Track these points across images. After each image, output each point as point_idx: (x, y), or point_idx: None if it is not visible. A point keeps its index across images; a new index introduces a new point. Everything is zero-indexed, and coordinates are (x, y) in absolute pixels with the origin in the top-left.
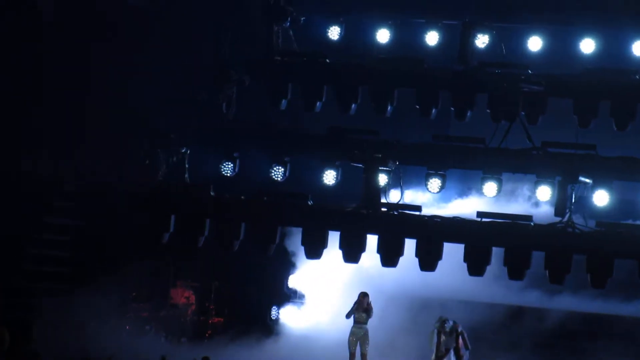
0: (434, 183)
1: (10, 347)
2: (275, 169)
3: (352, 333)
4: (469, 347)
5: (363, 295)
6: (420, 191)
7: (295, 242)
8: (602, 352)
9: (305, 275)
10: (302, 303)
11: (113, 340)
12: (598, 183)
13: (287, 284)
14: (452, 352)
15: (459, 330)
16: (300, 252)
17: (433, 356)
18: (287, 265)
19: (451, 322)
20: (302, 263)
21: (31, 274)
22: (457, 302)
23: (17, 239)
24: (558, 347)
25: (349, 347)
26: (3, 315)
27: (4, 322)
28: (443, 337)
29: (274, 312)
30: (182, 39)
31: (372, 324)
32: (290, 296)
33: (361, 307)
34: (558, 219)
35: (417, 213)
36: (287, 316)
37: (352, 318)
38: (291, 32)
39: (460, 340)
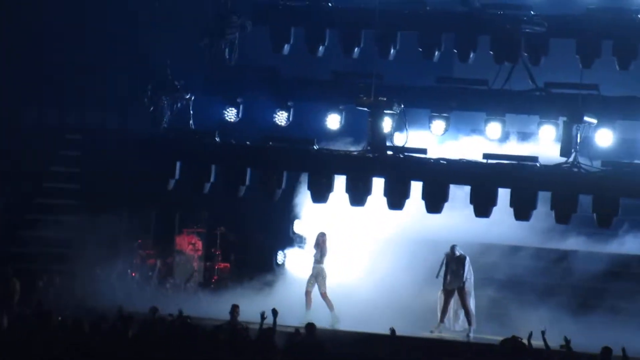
0: (438, 125)
1: (20, 298)
2: (279, 114)
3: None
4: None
5: (322, 235)
6: (426, 133)
7: (301, 186)
8: None
9: (311, 220)
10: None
11: (120, 288)
12: (601, 123)
13: (292, 229)
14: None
15: (466, 258)
16: (307, 196)
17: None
18: (293, 210)
19: (461, 251)
20: (307, 208)
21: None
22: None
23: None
24: (601, 290)
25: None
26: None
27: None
28: (452, 266)
29: (279, 256)
30: None
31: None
32: (296, 241)
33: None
34: (563, 160)
35: (423, 155)
36: (293, 261)
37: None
38: None
39: (466, 266)
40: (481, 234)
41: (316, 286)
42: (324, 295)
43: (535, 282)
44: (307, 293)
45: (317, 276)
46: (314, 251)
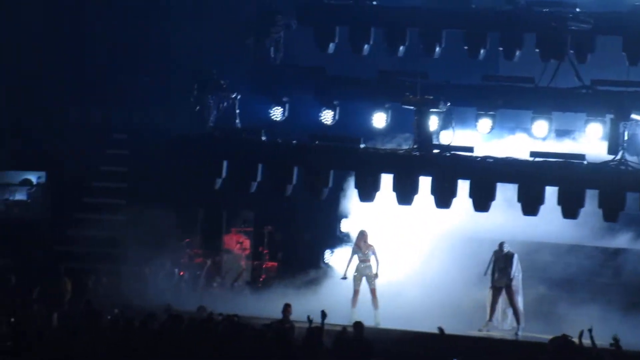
0: (485, 123)
1: (71, 297)
2: (324, 112)
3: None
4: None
5: (362, 234)
6: (472, 132)
7: (348, 185)
8: None
9: (358, 218)
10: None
11: (169, 287)
12: None
13: (339, 228)
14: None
15: (515, 255)
16: (353, 195)
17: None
18: (340, 209)
19: (509, 248)
20: (355, 207)
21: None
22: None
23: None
24: None
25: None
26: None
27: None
28: (500, 263)
29: (327, 255)
30: None
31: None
32: (344, 240)
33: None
34: (610, 157)
35: (470, 154)
36: (340, 259)
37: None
38: None
39: (514, 263)
40: (530, 232)
41: (364, 284)
42: (373, 292)
43: (584, 281)
44: (356, 292)
45: (364, 274)
46: (357, 250)
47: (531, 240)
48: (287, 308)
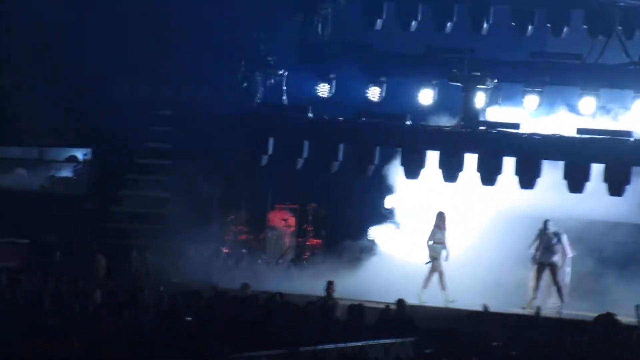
0: (532, 100)
1: (107, 273)
2: (371, 89)
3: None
4: (570, 253)
5: (441, 214)
6: (519, 108)
7: (393, 162)
8: None
9: (403, 196)
10: (398, 224)
11: (213, 264)
12: None
13: (384, 205)
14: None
15: (562, 234)
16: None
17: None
18: (385, 186)
19: (554, 226)
20: (399, 183)
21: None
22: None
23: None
24: None
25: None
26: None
27: (106, 248)
28: (545, 241)
29: (371, 232)
30: None
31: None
32: (388, 217)
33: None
34: None
35: (516, 131)
36: (385, 237)
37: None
38: None
39: (564, 243)
40: (576, 209)
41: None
42: (442, 274)
43: (632, 259)
44: (433, 273)
45: (439, 255)
46: (434, 231)
47: (576, 217)
48: (330, 285)
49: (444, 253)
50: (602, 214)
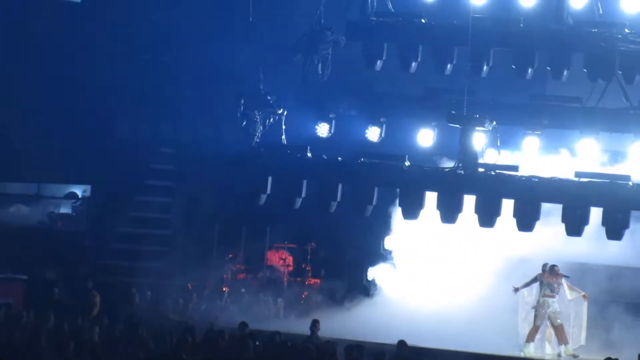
0: (531, 142)
1: (101, 309)
2: (370, 129)
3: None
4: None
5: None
6: (517, 151)
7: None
8: None
9: (401, 236)
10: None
11: (212, 303)
12: None
13: (383, 245)
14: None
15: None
16: (397, 213)
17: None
18: (384, 227)
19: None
20: (398, 224)
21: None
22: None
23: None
24: None
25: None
26: (102, 279)
27: (104, 285)
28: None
29: (370, 273)
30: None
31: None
32: (387, 257)
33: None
34: None
35: (515, 173)
36: (384, 278)
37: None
38: None
39: (564, 284)
40: (576, 253)
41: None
42: (560, 328)
43: (635, 303)
44: (536, 329)
45: (550, 310)
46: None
47: (578, 261)
48: (315, 324)
49: (555, 308)
50: (597, 257)
